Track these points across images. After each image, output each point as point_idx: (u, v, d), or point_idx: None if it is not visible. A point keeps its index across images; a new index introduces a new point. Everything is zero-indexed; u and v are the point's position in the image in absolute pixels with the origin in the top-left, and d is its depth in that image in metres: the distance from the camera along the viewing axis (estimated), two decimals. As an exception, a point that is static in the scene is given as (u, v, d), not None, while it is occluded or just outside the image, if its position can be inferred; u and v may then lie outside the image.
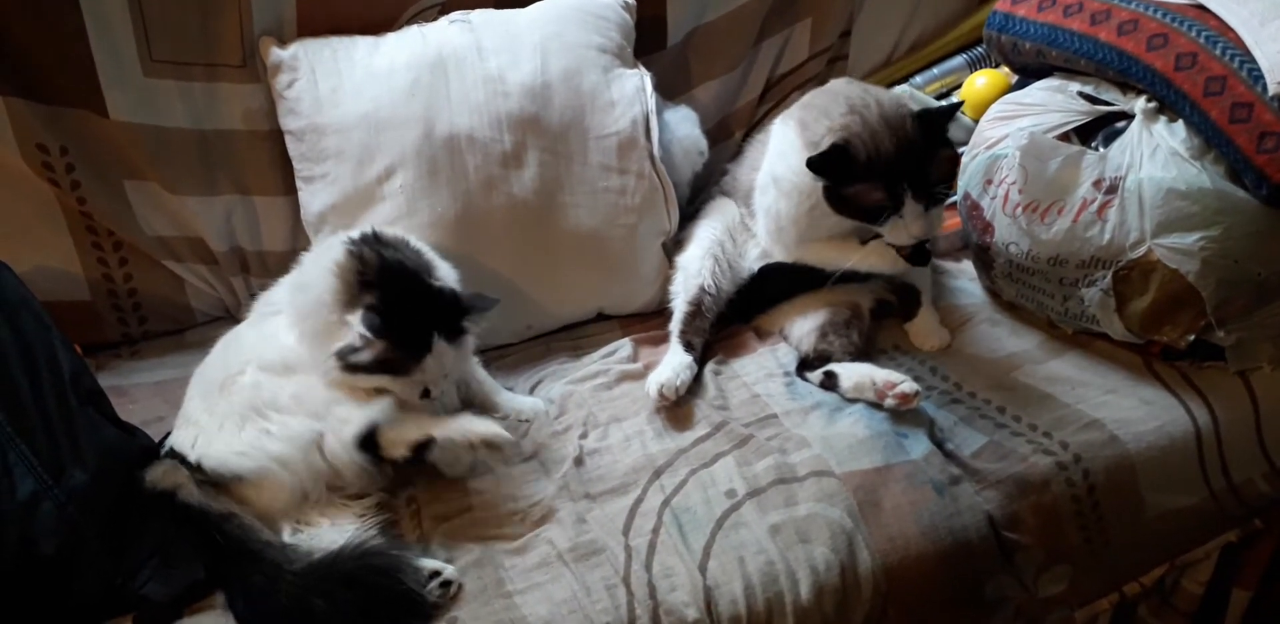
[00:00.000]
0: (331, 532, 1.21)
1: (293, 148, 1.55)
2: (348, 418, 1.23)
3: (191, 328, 1.70)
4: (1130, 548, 1.36)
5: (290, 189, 1.58)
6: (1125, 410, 1.37)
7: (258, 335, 1.33)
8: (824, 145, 1.34)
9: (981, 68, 1.84)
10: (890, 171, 1.33)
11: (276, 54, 1.54)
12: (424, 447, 1.25)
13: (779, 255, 1.53)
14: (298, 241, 1.60)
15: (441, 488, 1.33)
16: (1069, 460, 1.32)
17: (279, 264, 1.57)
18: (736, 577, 1.19)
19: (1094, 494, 1.32)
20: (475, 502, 1.30)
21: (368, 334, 1.20)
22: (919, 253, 1.41)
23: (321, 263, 1.28)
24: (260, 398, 1.24)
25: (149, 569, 1.14)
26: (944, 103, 1.81)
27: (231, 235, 1.62)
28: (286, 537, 1.21)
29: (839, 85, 1.49)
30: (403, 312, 1.23)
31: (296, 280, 1.35)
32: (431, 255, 1.35)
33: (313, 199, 1.53)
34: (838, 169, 1.33)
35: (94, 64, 1.47)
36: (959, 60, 1.87)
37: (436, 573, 1.16)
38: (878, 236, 1.43)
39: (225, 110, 1.56)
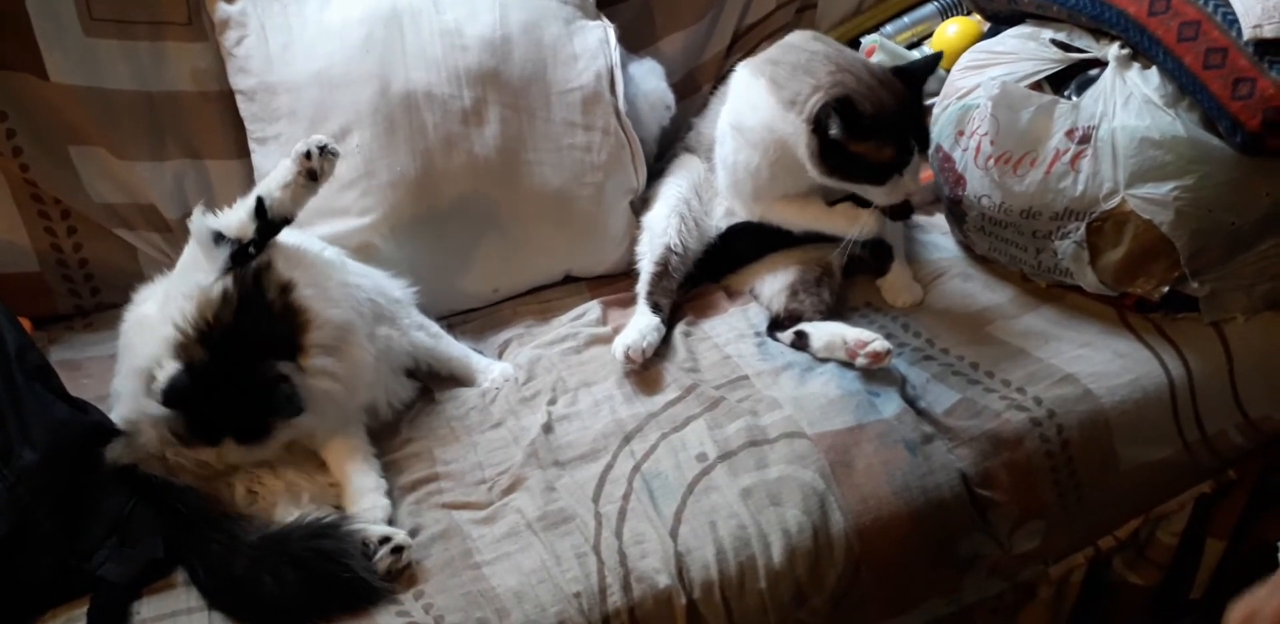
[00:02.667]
0: (286, 498, 1.17)
1: (244, 108, 1.47)
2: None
3: None
4: (1104, 502, 1.34)
5: (244, 152, 1.51)
6: (1099, 364, 1.34)
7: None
8: (813, 104, 1.29)
9: (953, 15, 1.77)
10: (897, 127, 1.28)
11: (224, 9, 1.46)
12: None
13: (739, 210, 1.48)
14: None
15: (407, 457, 1.29)
16: (1043, 416, 1.29)
17: (236, 229, 1.50)
18: (708, 541, 1.16)
19: (1068, 449, 1.29)
20: (441, 471, 1.26)
21: (161, 402, 1.13)
22: (903, 207, 1.36)
23: (190, 281, 1.19)
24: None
25: (106, 549, 1.10)
26: (917, 54, 1.74)
27: (184, 202, 1.54)
28: (240, 501, 1.18)
29: (803, 41, 1.41)
30: (205, 399, 1.14)
31: (179, 268, 1.26)
32: (321, 294, 1.23)
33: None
34: (844, 125, 1.27)
35: (30, 24, 1.39)
36: (930, 8, 1.80)
37: (386, 539, 1.12)
38: (845, 199, 1.38)
39: (172, 71, 1.49)
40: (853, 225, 1.39)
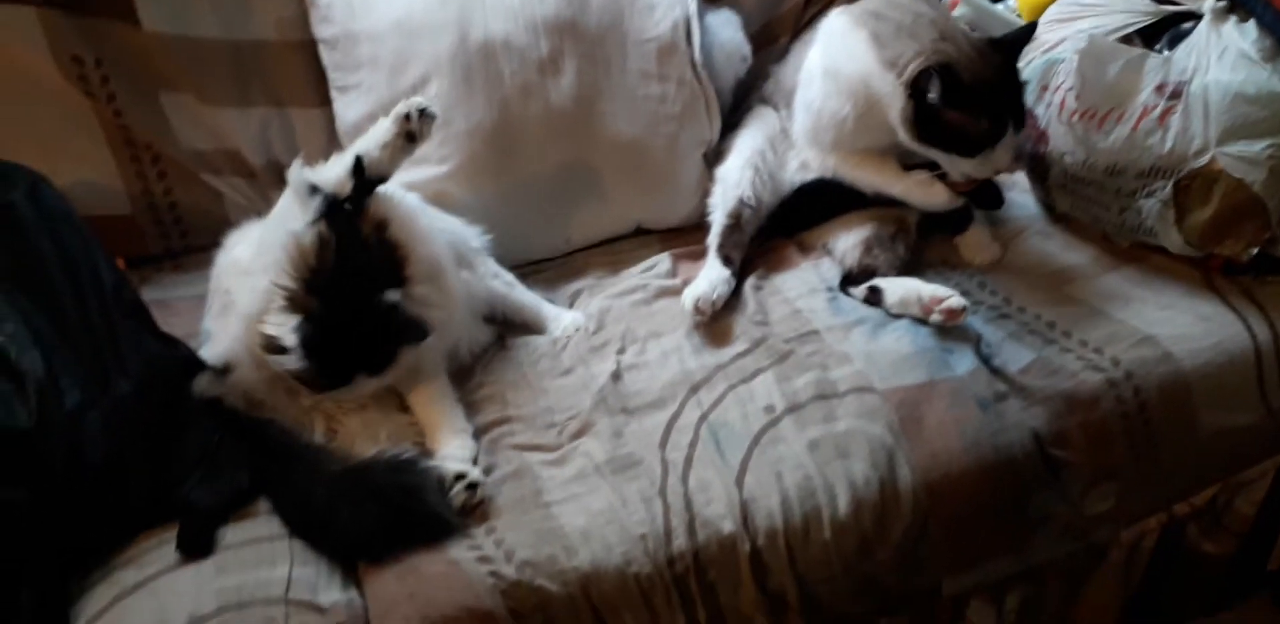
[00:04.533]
0: (364, 435, 1.23)
1: (326, 57, 1.52)
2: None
3: None
4: (1182, 467, 1.33)
5: (325, 100, 1.55)
6: (1181, 326, 1.33)
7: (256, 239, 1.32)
8: (915, 67, 1.29)
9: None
10: (994, 100, 1.28)
11: (307, -42, 1.50)
12: None
13: (813, 160, 1.49)
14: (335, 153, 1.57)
15: (480, 400, 1.34)
16: (1120, 377, 1.28)
17: (316, 176, 1.56)
18: (773, 491, 1.19)
19: (1145, 412, 1.28)
20: (513, 414, 1.31)
21: (298, 349, 1.16)
22: (992, 196, 1.36)
23: (282, 230, 1.23)
24: (228, 300, 1.26)
25: (195, 477, 1.17)
26: (1002, 8, 1.71)
27: (268, 148, 1.60)
28: (320, 437, 1.24)
29: (908, 1, 1.40)
30: (333, 343, 1.18)
31: (273, 216, 1.31)
32: (412, 231, 1.27)
33: (347, 109, 1.51)
34: (943, 92, 1.27)
35: (125, -28, 1.44)
36: (1021, -42, 1.76)
37: (461, 476, 1.17)
38: (922, 165, 1.38)
39: (258, 19, 1.53)
40: (925, 195, 1.40)
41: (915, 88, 1.29)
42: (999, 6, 1.70)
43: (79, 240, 1.20)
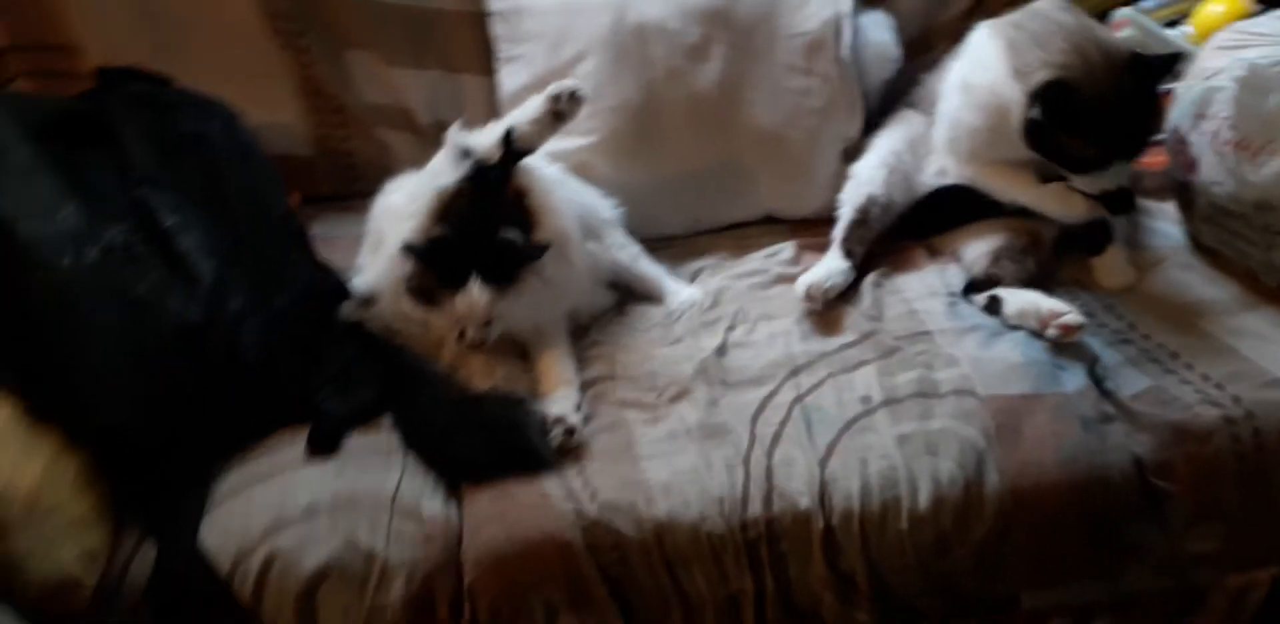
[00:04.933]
0: (483, 373, 1.35)
1: (496, 28, 1.65)
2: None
3: None
4: None
5: (492, 69, 1.68)
6: None
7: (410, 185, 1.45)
8: (1036, 78, 1.31)
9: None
10: (1104, 126, 1.29)
11: (489, -64, 1.64)
12: None
13: (951, 169, 1.51)
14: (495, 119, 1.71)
15: (591, 357, 1.43)
16: (1239, 416, 1.25)
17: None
18: (855, 475, 1.23)
19: (1262, 455, 1.25)
20: (619, 373, 1.40)
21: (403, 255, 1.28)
22: (1121, 199, 1.35)
23: (433, 183, 1.35)
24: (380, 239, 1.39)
25: (331, 388, 1.31)
26: (1176, 32, 1.69)
27: (436, 109, 1.74)
28: (445, 368, 1.36)
29: (1051, 9, 1.42)
30: (449, 248, 1.29)
31: (427, 171, 1.43)
32: (546, 203, 1.37)
33: (510, 78, 1.64)
34: (1056, 106, 1.29)
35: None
36: (1198, -15, 1.74)
37: (561, 419, 1.27)
38: (1060, 177, 1.38)
39: (439, -10, 1.68)
40: (1061, 207, 1.40)
41: (1033, 99, 1.30)
42: (1173, 31, 1.68)
43: (261, 172, 1.38)
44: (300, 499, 1.20)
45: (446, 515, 1.21)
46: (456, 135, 1.37)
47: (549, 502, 1.20)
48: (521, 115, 1.35)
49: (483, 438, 1.24)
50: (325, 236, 1.64)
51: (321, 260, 1.44)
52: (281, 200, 1.41)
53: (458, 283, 1.29)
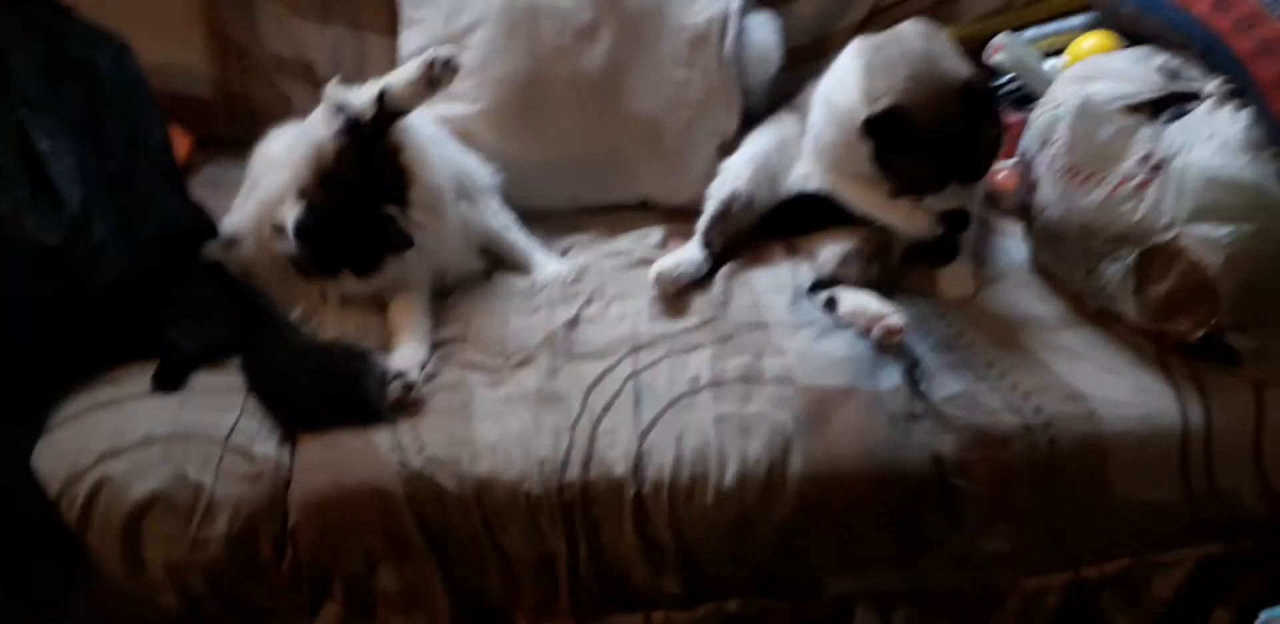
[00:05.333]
0: (335, 323, 1.43)
1: (401, -9, 1.71)
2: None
3: None
4: (1091, 528, 1.39)
5: (395, 31, 1.73)
6: (1115, 391, 1.39)
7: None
8: (879, 105, 1.40)
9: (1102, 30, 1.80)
10: (937, 150, 1.38)
11: (401, -101, 1.69)
12: None
13: (815, 175, 1.60)
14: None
15: (447, 319, 1.51)
16: (1038, 424, 1.35)
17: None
18: (670, 449, 1.31)
19: (1056, 463, 1.35)
20: (471, 335, 1.48)
21: (291, 236, 1.35)
22: (956, 219, 1.46)
23: (310, 136, 1.42)
24: (255, 185, 1.45)
25: (184, 324, 1.38)
26: (1052, 61, 1.79)
27: (339, 64, 1.79)
28: (298, 317, 1.44)
29: (911, 34, 1.51)
30: (326, 236, 1.36)
31: (307, 123, 1.49)
32: (422, 160, 1.44)
33: (408, 42, 1.70)
34: (889, 134, 1.39)
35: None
36: (1079, 20, 1.82)
37: (401, 374, 1.35)
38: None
39: (350, -55, 1.72)
40: (905, 223, 1.50)
41: (868, 126, 1.40)
42: (1050, 61, 1.78)
43: (145, 106, 1.43)
44: (137, 429, 1.27)
45: (278, 458, 1.29)
46: (334, 90, 1.43)
47: (376, 452, 1.28)
48: (398, 77, 1.40)
49: (320, 385, 1.32)
50: (214, 180, 1.71)
51: (194, 199, 1.49)
52: (161, 136, 1.46)
53: (328, 270, 1.38)
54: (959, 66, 1.46)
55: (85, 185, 1.31)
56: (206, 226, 1.47)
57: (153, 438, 1.26)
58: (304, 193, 1.38)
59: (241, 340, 1.38)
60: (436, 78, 1.38)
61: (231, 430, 1.29)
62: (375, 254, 1.40)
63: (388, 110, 1.40)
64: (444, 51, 1.38)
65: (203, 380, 1.36)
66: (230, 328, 1.39)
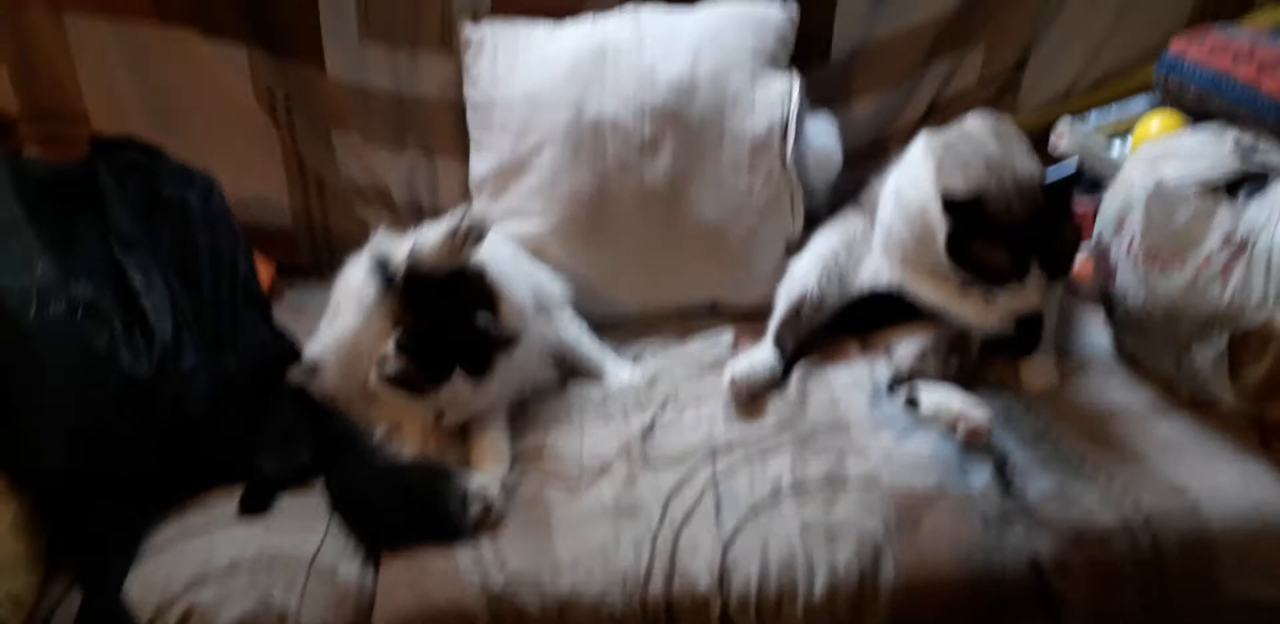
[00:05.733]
0: (416, 442, 1.46)
1: (470, 116, 1.79)
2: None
3: None
4: None
5: (467, 154, 1.81)
6: (1220, 483, 1.34)
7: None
8: (960, 194, 1.41)
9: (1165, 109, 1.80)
10: (1018, 237, 1.38)
11: (469, 31, 1.79)
12: None
13: (885, 271, 1.61)
14: (468, 201, 1.84)
15: (525, 427, 1.53)
16: (1139, 522, 1.31)
17: (450, 220, 1.84)
18: (755, 560, 1.29)
19: (1160, 562, 1.30)
20: (549, 446, 1.49)
21: (395, 351, 1.37)
22: (1028, 330, 1.45)
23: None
24: (337, 312, 1.51)
25: (269, 449, 1.42)
26: (1118, 144, 1.79)
27: (412, 189, 1.89)
28: (379, 436, 1.47)
29: (979, 131, 1.53)
30: (431, 343, 1.38)
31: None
32: (506, 278, 1.48)
33: (479, 164, 1.77)
34: (968, 220, 1.39)
35: (320, 27, 1.78)
36: (1142, 101, 1.84)
37: (482, 493, 1.36)
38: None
39: (423, 78, 1.83)
40: (976, 316, 1.49)
41: (947, 208, 1.40)
42: (1114, 145, 1.78)
43: (231, 239, 1.51)
44: (224, 555, 1.29)
45: (361, 580, 1.30)
46: (379, 243, 1.51)
47: (458, 571, 1.29)
48: (426, 240, 1.43)
49: (402, 504, 1.34)
50: (297, 306, 1.79)
51: (277, 326, 1.56)
52: (247, 266, 1.53)
53: (441, 376, 1.39)
54: (1033, 163, 1.47)
55: (175, 317, 1.38)
56: (291, 352, 1.53)
57: (239, 563, 1.29)
58: (397, 320, 1.43)
59: (324, 462, 1.42)
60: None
61: (316, 553, 1.31)
62: (484, 353, 1.42)
63: (420, 272, 1.44)
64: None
65: (287, 504, 1.39)
66: (313, 451, 1.43)
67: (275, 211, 1.92)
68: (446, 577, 1.29)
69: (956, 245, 1.42)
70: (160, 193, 1.49)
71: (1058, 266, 1.41)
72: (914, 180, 1.52)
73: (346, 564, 1.31)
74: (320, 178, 1.90)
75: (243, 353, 1.45)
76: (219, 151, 1.83)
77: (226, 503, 1.37)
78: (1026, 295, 1.40)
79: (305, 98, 1.84)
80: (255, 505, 1.36)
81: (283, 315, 1.68)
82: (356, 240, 1.88)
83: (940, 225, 1.43)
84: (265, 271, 1.78)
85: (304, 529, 1.34)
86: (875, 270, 1.63)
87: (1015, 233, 1.38)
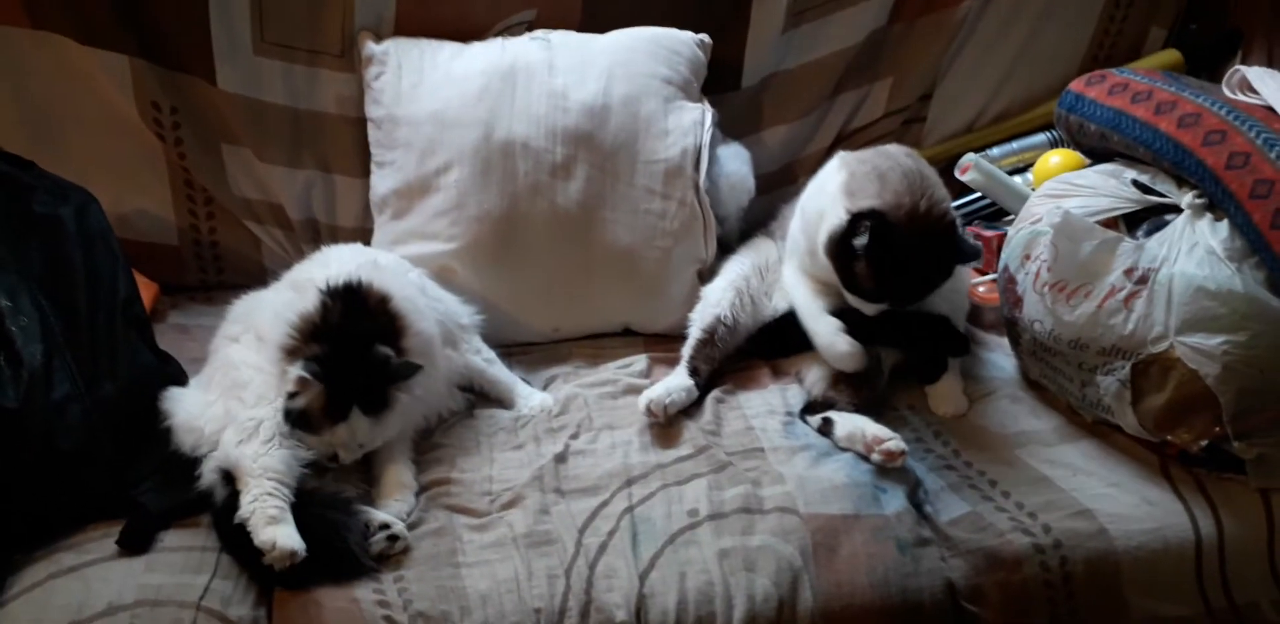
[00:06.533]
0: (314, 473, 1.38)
1: (371, 134, 1.76)
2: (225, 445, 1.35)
3: (262, 284, 1.85)
4: None
5: (367, 172, 1.77)
6: (1123, 506, 1.39)
7: (263, 305, 1.51)
8: (863, 204, 1.45)
9: (1063, 147, 1.89)
10: (895, 267, 1.45)
11: (371, 48, 1.76)
12: None
13: (785, 276, 1.66)
14: (367, 220, 1.80)
15: (431, 459, 1.49)
16: (1048, 544, 1.35)
17: (347, 238, 1.79)
18: (674, 590, 1.28)
19: (1070, 584, 1.34)
20: (455, 477, 1.45)
21: (307, 376, 1.32)
22: (871, 328, 1.53)
23: (296, 302, 1.42)
24: (230, 376, 1.42)
25: (150, 482, 1.34)
26: (1019, 179, 1.87)
27: (308, 206, 1.84)
28: None
29: (901, 154, 1.58)
30: (332, 379, 1.33)
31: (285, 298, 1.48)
32: (412, 306, 1.45)
33: (380, 182, 1.74)
34: (870, 234, 1.44)
35: (210, 38, 1.72)
36: (1042, 138, 1.94)
37: (386, 525, 1.31)
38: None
39: (320, 93, 1.79)
40: (827, 341, 1.54)
41: (852, 218, 1.45)
42: (1016, 178, 1.86)
43: (109, 258, 1.43)
44: (103, 596, 1.21)
45: (254, 620, 1.23)
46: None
47: (360, 611, 1.24)
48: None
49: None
50: (184, 326, 1.71)
51: (161, 350, 1.48)
52: (127, 287, 1.45)
53: (339, 413, 1.34)
54: (944, 194, 1.53)
55: (46, 342, 1.30)
56: (176, 378, 1.45)
57: (118, 606, 1.20)
58: (294, 351, 1.37)
59: (211, 495, 1.34)
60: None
61: (204, 594, 1.24)
62: (382, 389, 1.37)
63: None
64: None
65: (173, 540, 1.31)
66: (196, 482, 1.34)
67: (159, 228, 1.84)
68: (346, 617, 1.23)
69: (839, 249, 1.47)
70: (31, 209, 1.41)
71: (917, 297, 1.50)
72: (821, 189, 1.57)
73: (237, 606, 1.24)
74: (207, 193, 1.83)
75: (122, 380, 1.37)
76: (97, 165, 1.75)
77: (103, 542, 1.28)
78: (870, 309, 1.50)
79: (193, 111, 1.77)
80: (135, 543, 1.28)
81: (167, 338, 1.61)
82: (248, 258, 1.86)
83: (833, 221, 1.48)
84: (148, 292, 1.69)
85: (189, 568, 1.27)
86: (787, 295, 1.65)
87: (899, 259, 1.45)
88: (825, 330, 1.55)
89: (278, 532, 1.25)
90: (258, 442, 1.33)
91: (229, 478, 1.33)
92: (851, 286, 1.50)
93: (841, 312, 1.56)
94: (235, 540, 1.29)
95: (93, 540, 1.30)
